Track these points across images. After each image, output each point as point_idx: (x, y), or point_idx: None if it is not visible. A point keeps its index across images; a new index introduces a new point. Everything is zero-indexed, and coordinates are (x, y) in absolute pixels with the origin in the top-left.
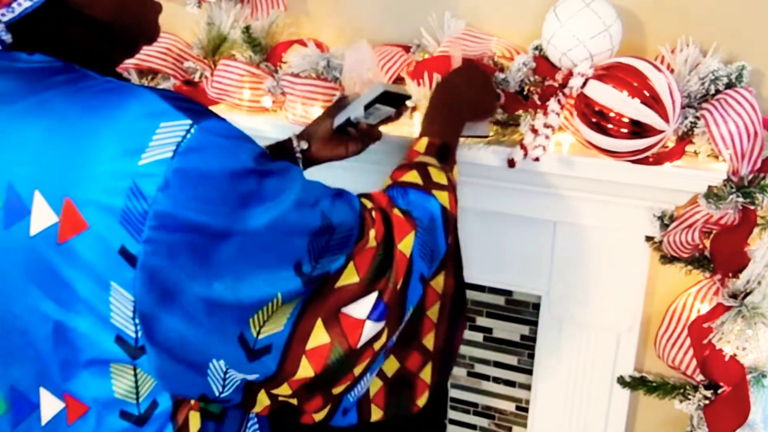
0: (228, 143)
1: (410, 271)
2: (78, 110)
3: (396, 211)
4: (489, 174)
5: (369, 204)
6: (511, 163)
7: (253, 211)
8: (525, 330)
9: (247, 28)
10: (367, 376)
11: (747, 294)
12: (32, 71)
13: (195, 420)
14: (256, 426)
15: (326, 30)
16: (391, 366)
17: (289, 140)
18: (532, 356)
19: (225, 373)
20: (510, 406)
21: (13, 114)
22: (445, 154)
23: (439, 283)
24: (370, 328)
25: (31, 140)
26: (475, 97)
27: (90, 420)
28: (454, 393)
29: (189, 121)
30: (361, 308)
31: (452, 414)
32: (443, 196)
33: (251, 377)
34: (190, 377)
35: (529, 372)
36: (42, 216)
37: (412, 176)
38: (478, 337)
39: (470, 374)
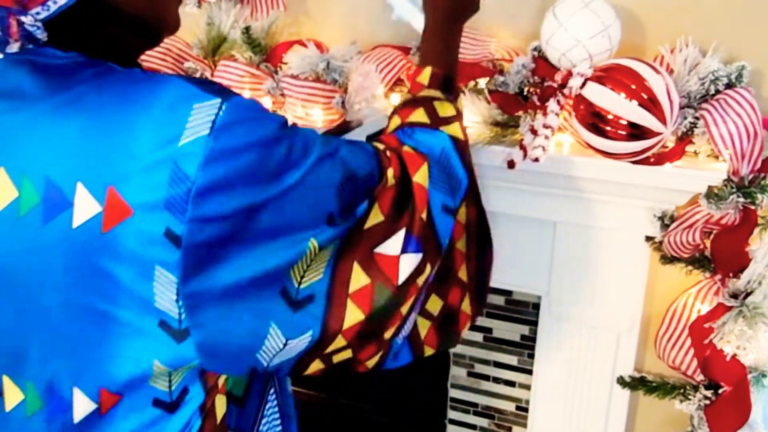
0: (257, 115)
1: (430, 202)
2: (112, 102)
3: (406, 148)
4: (489, 174)
5: (380, 146)
6: (511, 164)
7: (285, 175)
8: (525, 330)
9: (247, 29)
10: (412, 314)
11: (748, 294)
12: (57, 67)
13: (221, 403)
14: (275, 408)
15: (326, 30)
16: (435, 305)
17: None
18: (532, 356)
19: (279, 348)
20: (510, 406)
21: (45, 111)
22: (449, 85)
23: (462, 215)
24: (408, 263)
25: (68, 135)
26: (466, 3)
27: (123, 408)
28: (454, 393)
29: (219, 99)
30: (393, 245)
31: (452, 414)
32: (452, 128)
33: (303, 340)
34: (237, 358)
35: (529, 372)
36: (85, 206)
37: (419, 115)
38: (478, 337)
39: (470, 374)
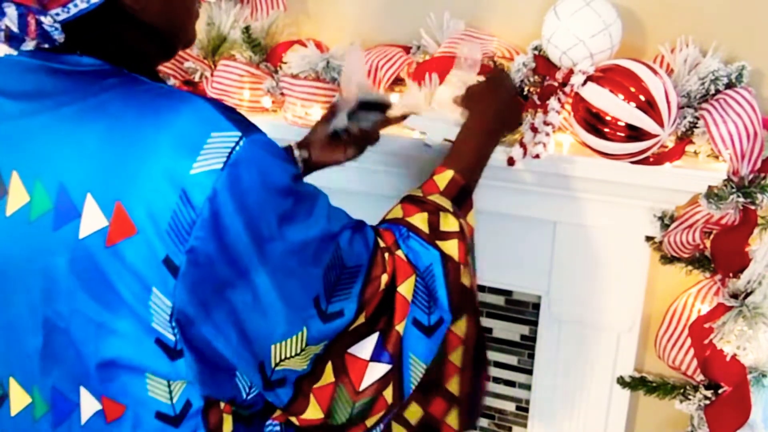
0: (272, 159)
1: (407, 315)
2: (135, 113)
3: (399, 253)
4: (489, 174)
5: (382, 243)
6: (511, 162)
7: (287, 230)
8: (525, 330)
9: (247, 29)
10: (380, 426)
11: (748, 294)
12: (83, 74)
13: (228, 423)
14: (278, 429)
15: (326, 30)
16: (414, 413)
17: (289, 147)
18: (532, 356)
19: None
20: (510, 406)
21: (68, 116)
22: (463, 198)
23: (461, 327)
24: (374, 371)
25: (87, 142)
26: (511, 119)
27: (127, 420)
28: None
29: (238, 133)
30: (365, 349)
31: None
32: (448, 246)
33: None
34: (223, 379)
35: (529, 372)
36: (92, 219)
37: (421, 221)
38: None
39: None
